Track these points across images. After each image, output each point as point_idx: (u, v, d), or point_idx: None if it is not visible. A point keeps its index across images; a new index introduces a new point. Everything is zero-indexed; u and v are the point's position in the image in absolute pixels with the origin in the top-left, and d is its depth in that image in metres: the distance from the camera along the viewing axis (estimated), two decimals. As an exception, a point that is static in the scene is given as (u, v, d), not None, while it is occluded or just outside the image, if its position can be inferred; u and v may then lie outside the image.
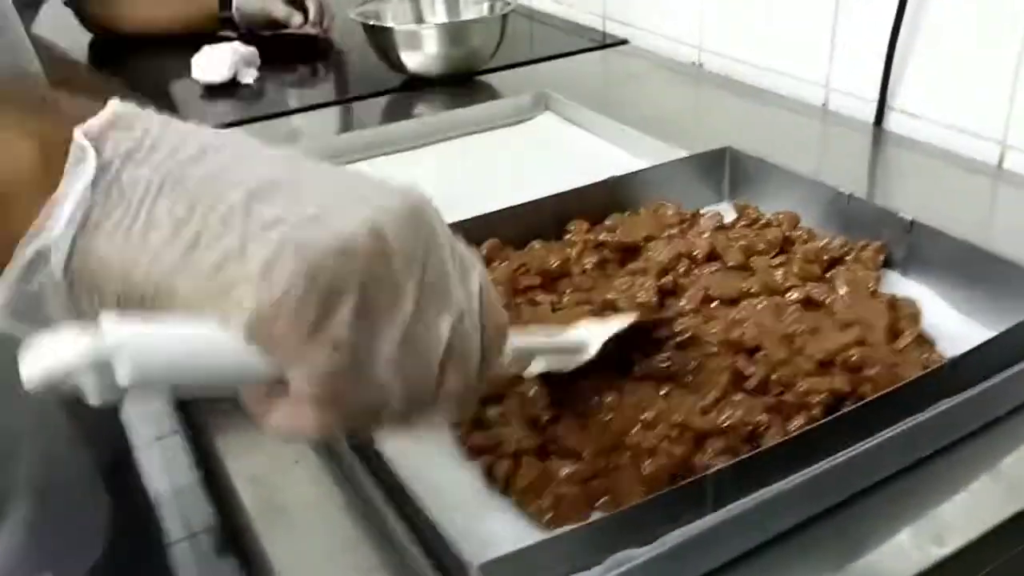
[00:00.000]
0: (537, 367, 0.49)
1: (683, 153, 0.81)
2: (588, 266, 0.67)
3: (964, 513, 0.49)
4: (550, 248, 0.69)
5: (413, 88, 1.10)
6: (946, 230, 0.64)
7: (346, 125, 1.05)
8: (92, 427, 0.56)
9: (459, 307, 0.32)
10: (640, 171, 0.76)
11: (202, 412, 0.57)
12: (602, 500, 0.48)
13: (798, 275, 0.63)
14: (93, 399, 0.28)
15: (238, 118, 1.05)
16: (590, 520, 0.42)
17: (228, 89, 1.15)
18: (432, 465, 0.51)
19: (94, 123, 0.29)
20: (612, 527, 0.42)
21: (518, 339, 0.44)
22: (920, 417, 0.49)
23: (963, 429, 0.53)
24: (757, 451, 0.46)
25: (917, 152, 0.91)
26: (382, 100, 1.09)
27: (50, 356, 0.27)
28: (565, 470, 0.47)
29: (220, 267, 0.29)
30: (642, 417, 0.49)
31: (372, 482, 0.48)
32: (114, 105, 0.30)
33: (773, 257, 0.65)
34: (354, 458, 0.49)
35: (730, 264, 0.65)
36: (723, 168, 0.79)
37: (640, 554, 0.42)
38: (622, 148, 0.90)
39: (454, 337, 0.32)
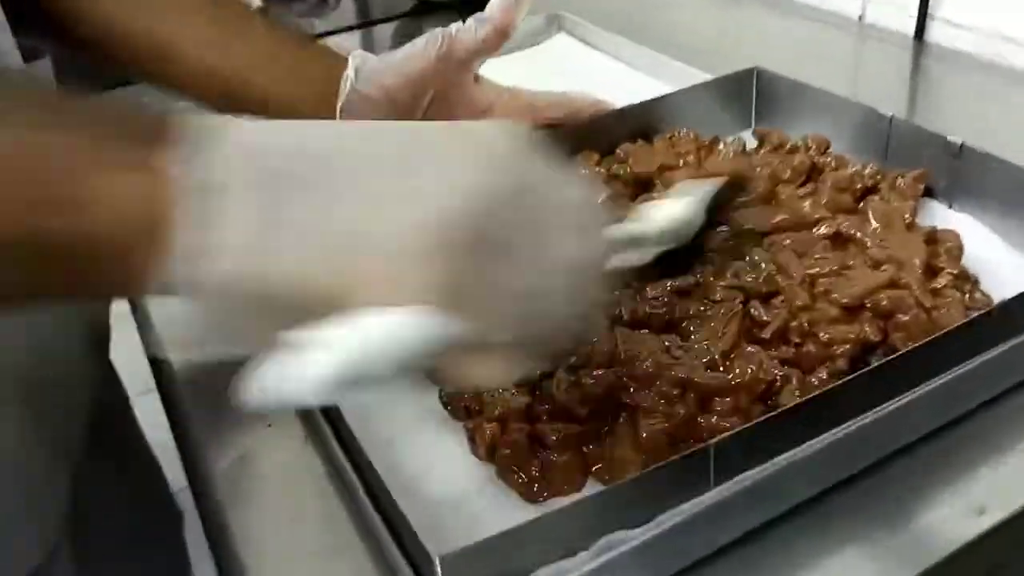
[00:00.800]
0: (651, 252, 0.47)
1: (708, 77, 0.74)
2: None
3: (1013, 477, 0.43)
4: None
5: (425, 12, 1.05)
6: (1000, 155, 0.57)
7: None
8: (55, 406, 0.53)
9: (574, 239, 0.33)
10: (657, 99, 0.69)
11: (174, 375, 0.53)
12: (596, 467, 0.43)
13: (827, 206, 0.56)
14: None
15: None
16: (575, 500, 0.38)
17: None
18: (414, 429, 0.47)
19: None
20: (599, 507, 0.37)
21: (628, 227, 0.46)
22: (961, 369, 0.44)
23: (1011, 380, 0.47)
24: (770, 415, 0.40)
25: (962, 66, 0.83)
26: (391, 26, 1.04)
27: (282, 384, 0.28)
28: (554, 434, 0.42)
29: (353, 254, 0.29)
30: (639, 372, 0.44)
31: (342, 453, 0.43)
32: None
33: (800, 186, 0.59)
34: (325, 426, 0.45)
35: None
36: (750, 91, 0.72)
37: (634, 536, 0.37)
38: (645, 72, 0.83)
39: (580, 258, 0.33)
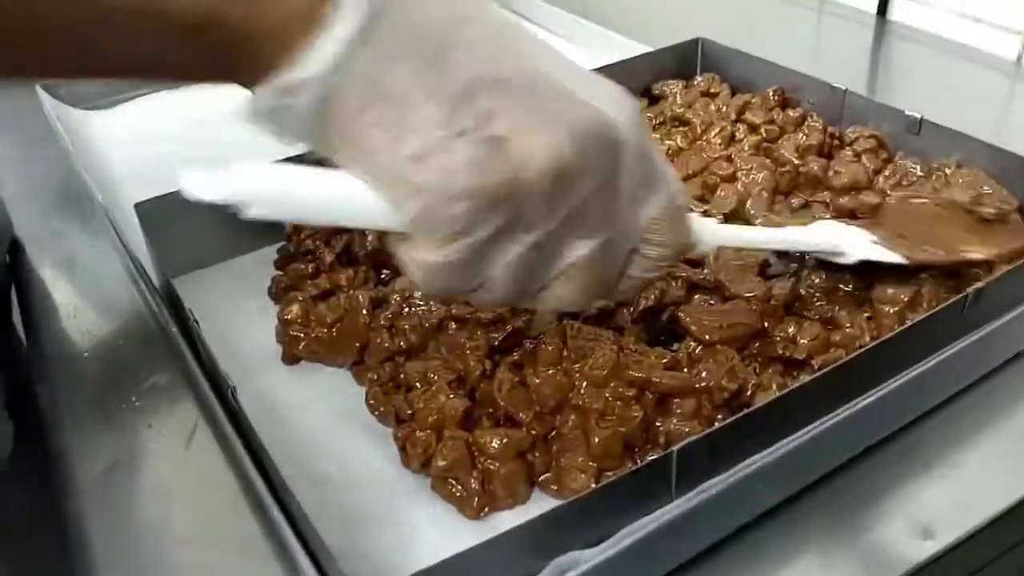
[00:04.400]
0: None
1: (651, 49, 0.70)
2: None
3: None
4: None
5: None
6: (960, 129, 0.54)
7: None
8: None
9: (610, 235, 0.33)
10: (599, 69, 0.64)
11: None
12: (544, 476, 0.39)
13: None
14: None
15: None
16: (522, 520, 0.33)
17: None
18: (336, 435, 0.42)
19: None
20: (549, 527, 0.33)
21: (745, 233, 0.44)
22: (935, 359, 0.40)
23: (981, 370, 0.44)
24: (736, 417, 0.36)
25: (925, 45, 0.80)
26: None
27: (208, 186, 0.30)
28: (495, 442, 0.38)
29: (418, 158, 0.29)
30: (591, 371, 0.40)
31: (250, 462, 0.38)
32: None
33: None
34: (226, 423, 0.39)
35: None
36: (695, 62, 0.68)
37: (589, 557, 0.33)
38: (586, 47, 0.79)
39: (587, 260, 0.32)
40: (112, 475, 0.41)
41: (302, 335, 0.46)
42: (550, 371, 0.40)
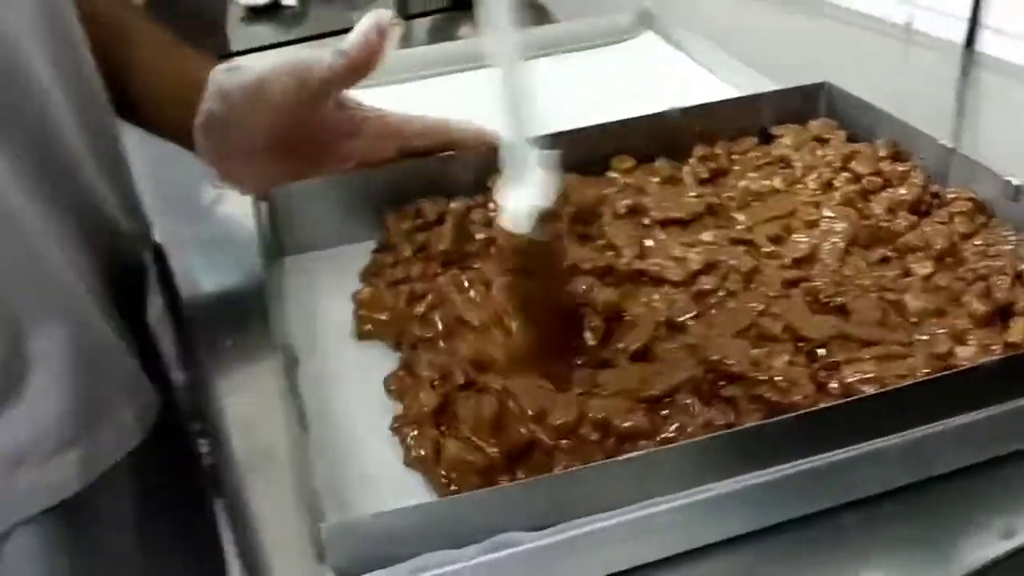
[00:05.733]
0: None
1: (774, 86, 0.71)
2: (622, 210, 0.59)
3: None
4: (585, 182, 0.62)
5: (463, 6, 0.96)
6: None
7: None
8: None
9: None
10: (701, 105, 0.66)
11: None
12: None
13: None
14: None
15: (279, 40, 1.03)
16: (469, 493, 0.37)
17: (270, 11, 1.17)
18: (373, 407, 0.47)
19: None
20: (498, 504, 0.37)
21: None
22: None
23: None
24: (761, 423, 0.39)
25: (1014, 78, 0.79)
26: (428, 20, 0.99)
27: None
28: (454, 453, 0.41)
29: None
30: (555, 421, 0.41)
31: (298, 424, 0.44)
32: None
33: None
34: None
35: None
36: (817, 106, 0.69)
37: (528, 539, 0.36)
38: (721, 78, 0.81)
39: None
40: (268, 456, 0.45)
41: (368, 315, 0.52)
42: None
